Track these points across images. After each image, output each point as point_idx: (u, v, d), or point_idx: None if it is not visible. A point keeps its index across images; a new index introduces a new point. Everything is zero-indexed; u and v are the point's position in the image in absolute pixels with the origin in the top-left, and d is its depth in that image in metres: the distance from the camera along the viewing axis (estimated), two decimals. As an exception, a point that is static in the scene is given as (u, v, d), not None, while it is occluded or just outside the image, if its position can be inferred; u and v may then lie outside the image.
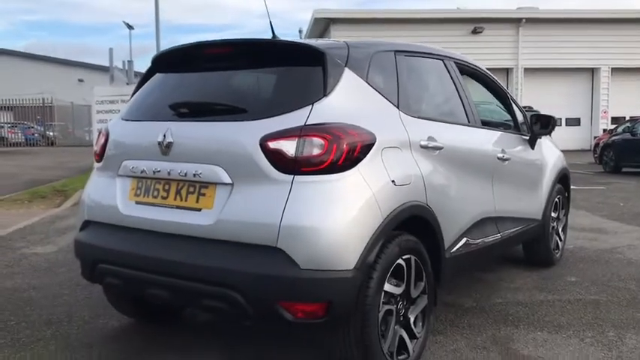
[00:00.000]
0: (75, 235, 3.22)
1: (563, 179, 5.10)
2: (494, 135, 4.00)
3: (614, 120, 23.93)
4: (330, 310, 2.45)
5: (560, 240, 5.20)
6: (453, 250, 3.27)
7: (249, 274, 2.45)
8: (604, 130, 22.79)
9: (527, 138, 4.50)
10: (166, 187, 2.80)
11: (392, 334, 2.74)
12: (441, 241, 3.10)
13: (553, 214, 4.95)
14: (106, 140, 3.15)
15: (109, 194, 3.03)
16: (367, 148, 2.62)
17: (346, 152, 2.53)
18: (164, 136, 2.78)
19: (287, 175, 2.50)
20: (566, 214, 5.35)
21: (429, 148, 3.07)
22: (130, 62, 16.89)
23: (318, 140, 2.51)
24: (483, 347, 3.24)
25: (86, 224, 3.15)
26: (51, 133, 31.71)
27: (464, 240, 3.39)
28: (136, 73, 16.06)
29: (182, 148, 2.75)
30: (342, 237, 2.46)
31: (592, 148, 20.48)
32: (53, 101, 32.52)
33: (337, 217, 2.47)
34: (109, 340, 3.38)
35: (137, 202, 2.90)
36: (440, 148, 3.14)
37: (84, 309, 3.89)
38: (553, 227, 4.98)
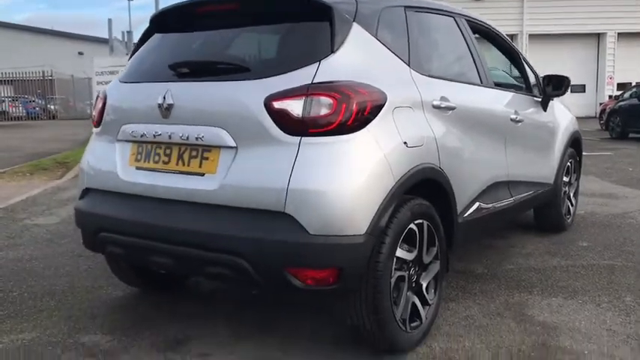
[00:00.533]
0: (75, 204, 3.12)
1: (575, 143, 4.97)
2: (507, 96, 3.86)
3: (620, 86, 23.60)
4: (340, 276, 2.35)
5: (572, 205, 5.09)
6: (465, 214, 3.16)
7: (256, 241, 2.35)
8: (609, 97, 22.52)
9: (540, 100, 4.36)
10: (167, 151, 2.68)
11: (404, 301, 2.65)
12: (454, 206, 2.99)
13: (565, 179, 4.82)
14: (104, 104, 3.02)
15: (108, 160, 2.92)
16: (378, 107, 2.49)
17: (356, 112, 2.40)
18: (164, 97, 2.65)
19: (294, 137, 2.38)
20: (577, 179, 5.23)
21: (442, 109, 2.93)
22: (130, 33, 16.63)
23: (326, 99, 2.38)
24: (497, 313, 3.15)
25: (86, 192, 3.05)
26: (52, 107, 31.53)
27: (476, 204, 3.28)
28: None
29: (183, 110, 2.62)
30: (353, 201, 2.34)
31: (597, 115, 20.25)
32: (53, 74, 32.23)
33: (347, 181, 2.35)
34: (112, 310, 3.30)
35: (138, 168, 2.79)
36: (452, 109, 3.01)
37: (87, 279, 3.82)
38: (565, 192, 4.86)
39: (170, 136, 2.64)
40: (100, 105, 3.06)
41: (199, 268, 2.62)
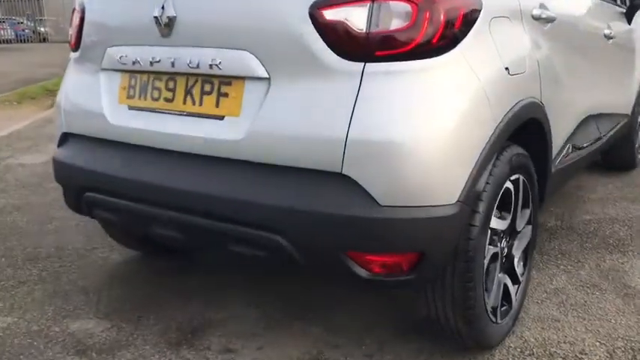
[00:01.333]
0: (53, 152, 2.40)
1: (654, 63, 4.16)
2: (598, 5, 3.04)
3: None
4: (420, 263, 1.67)
5: (643, 137, 4.36)
6: (557, 161, 2.45)
7: (301, 213, 1.65)
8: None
9: (624, 10, 3.54)
10: (170, 84, 1.94)
11: (496, 284, 1.99)
12: (550, 151, 2.27)
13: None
14: (82, 19, 2.24)
15: (91, 97, 2.18)
16: (472, 17, 1.72)
17: (444, 25, 1.64)
18: (162, 8, 1.87)
19: (354, 63, 1.62)
20: (651, 106, 4.46)
21: (541, 20, 2.16)
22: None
23: (400, 5, 1.61)
24: (592, 285, 2.51)
25: (66, 138, 2.33)
26: (42, 29, 30.05)
27: (568, 146, 2.57)
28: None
29: (190, 26, 1.85)
30: (442, 156, 1.62)
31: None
32: (41, -7, 30.50)
33: (434, 127, 1.62)
34: (109, 283, 2.65)
35: (131, 108, 2.05)
36: (552, 20, 2.23)
37: (78, 238, 3.16)
38: (639, 123, 4.12)
39: (173, 63, 1.89)
40: (76, 20, 2.28)
41: (219, 245, 1.94)
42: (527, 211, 2.15)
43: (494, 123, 1.75)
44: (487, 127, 1.73)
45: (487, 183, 1.76)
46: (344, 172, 1.61)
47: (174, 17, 1.85)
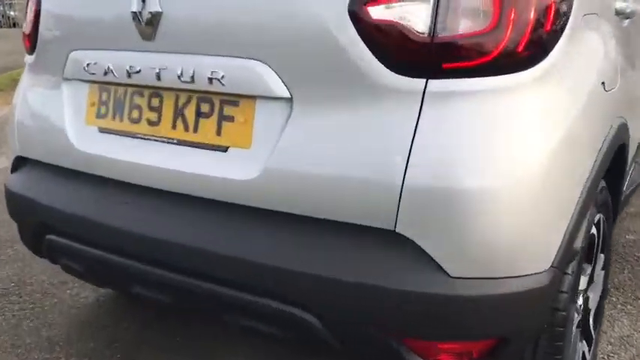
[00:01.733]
0: (6, 180, 1.92)
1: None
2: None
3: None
4: (498, 349, 1.24)
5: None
6: (625, 185, 2.04)
7: (337, 284, 1.20)
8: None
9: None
10: (155, 102, 1.46)
11: (578, 355, 1.57)
12: (625, 178, 1.86)
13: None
14: (38, 11, 1.74)
15: (51, 114, 1.70)
16: (564, 15, 1.27)
17: (532, 26, 1.19)
18: (143, 0, 1.39)
19: (412, 80, 1.17)
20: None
21: (621, 16, 1.72)
22: None
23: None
24: (664, 332, 2.11)
25: (21, 163, 1.84)
26: (12, 13, 28.91)
27: (633, 165, 2.16)
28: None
29: (181, 25, 1.38)
30: (535, 208, 1.18)
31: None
32: (9, -26, 29.30)
33: (523, 169, 1.17)
34: (79, 331, 2.19)
35: (102, 130, 1.57)
36: (631, 16, 1.80)
37: (43, 268, 2.66)
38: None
39: (158, 75, 1.41)
40: (31, 14, 1.78)
41: (222, 316, 1.48)
42: (603, 255, 1.74)
43: (592, 157, 1.32)
44: (586, 164, 1.30)
45: (584, 237, 1.33)
46: (398, 230, 1.17)
47: (159, 13, 1.37)
